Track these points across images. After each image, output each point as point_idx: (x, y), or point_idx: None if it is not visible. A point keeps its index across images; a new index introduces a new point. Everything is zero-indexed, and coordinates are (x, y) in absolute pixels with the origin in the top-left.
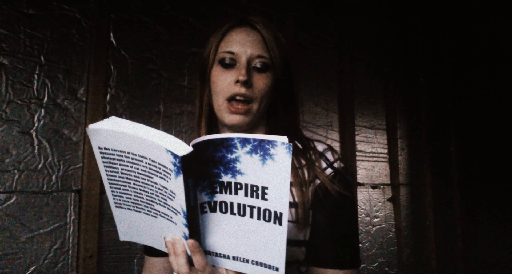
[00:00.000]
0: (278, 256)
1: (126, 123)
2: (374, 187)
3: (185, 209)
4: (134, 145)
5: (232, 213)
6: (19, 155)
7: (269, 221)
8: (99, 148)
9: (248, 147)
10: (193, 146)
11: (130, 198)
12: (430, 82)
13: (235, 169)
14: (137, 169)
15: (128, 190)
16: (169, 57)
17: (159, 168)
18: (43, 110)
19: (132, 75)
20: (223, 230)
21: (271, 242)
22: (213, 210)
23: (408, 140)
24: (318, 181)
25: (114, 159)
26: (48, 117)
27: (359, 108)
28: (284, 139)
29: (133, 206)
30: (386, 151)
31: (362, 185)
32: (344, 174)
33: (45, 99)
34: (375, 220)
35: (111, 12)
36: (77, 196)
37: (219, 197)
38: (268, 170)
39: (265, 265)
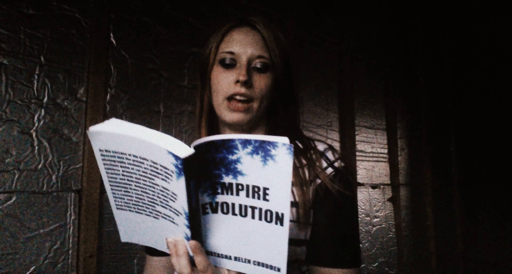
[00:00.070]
0: (279, 256)
1: (126, 125)
2: (374, 187)
3: (186, 210)
4: (135, 146)
5: (233, 213)
6: (19, 155)
7: (270, 221)
8: (100, 150)
9: (249, 148)
10: (194, 148)
11: (132, 200)
12: (430, 82)
13: (236, 170)
14: (138, 170)
15: (129, 192)
16: (169, 57)
17: (161, 170)
18: (43, 110)
19: (132, 75)
20: (224, 231)
21: (273, 243)
22: (214, 210)
23: (408, 140)
24: (318, 181)
25: (115, 161)
26: (48, 117)
27: (359, 108)
28: (285, 139)
29: (135, 208)
30: (386, 151)
31: (362, 185)
32: (345, 173)
33: (45, 99)
34: (375, 220)
35: (111, 12)
36: (77, 196)
37: (220, 198)
38: (269, 170)
39: (267, 266)
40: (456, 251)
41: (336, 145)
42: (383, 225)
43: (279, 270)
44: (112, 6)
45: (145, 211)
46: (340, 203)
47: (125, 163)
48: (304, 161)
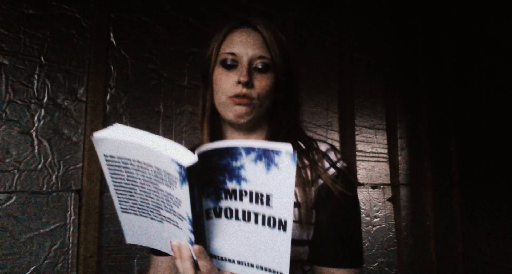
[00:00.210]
0: (282, 261)
1: (130, 131)
2: (374, 187)
3: (190, 216)
4: (139, 153)
5: (237, 218)
6: (19, 155)
7: (273, 227)
8: (104, 155)
9: (253, 155)
10: (198, 155)
11: (136, 204)
12: (430, 82)
13: (240, 176)
14: (143, 176)
15: (134, 196)
16: (169, 57)
17: (165, 176)
18: (43, 110)
19: (132, 75)
20: (228, 235)
21: (276, 248)
22: (218, 215)
23: (408, 140)
24: (321, 181)
25: (119, 166)
26: (48, 117)
27: (359, 108)
28: (289, 147)
29: (139, 211)
30: (386, 151)
31: (362, 185)
32: (347, 174)
33: (45, 99)
34: (375, 220)
35: (111, 12)
36: (77, 196)
37: (224, 203)
38: (272, 177)
39: (270, 270)
40: (456, 251)
41: (336, 145)
42: (383, 225)
43: None
44: (112, 6)
45: (150, 214)
46: (342, 203)
47: (129, 168)
48: (306, 161)
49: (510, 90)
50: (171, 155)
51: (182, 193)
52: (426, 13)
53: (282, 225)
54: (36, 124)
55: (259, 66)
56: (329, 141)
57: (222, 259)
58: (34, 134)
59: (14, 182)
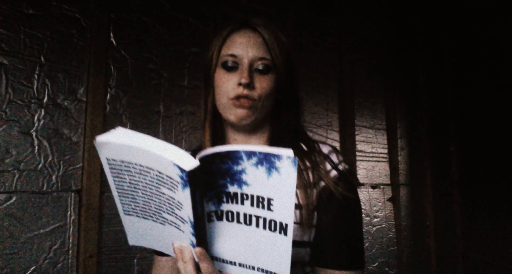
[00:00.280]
0: (283, 264)
1: (133, 135)
2: (374, 187)
3: (192, 219)
4: (141, 157)
5: (238, 222)
6: (19, 155)
7: (274, 231)
8: (106, 158)
9: (254, 159)
10: (199, 159)
11: (138, 206)
12: (430, 82)
13: (241, 180)
14: (145, 179)
15: (136, 199)
16: (169, 57)
17: (166, 180)
18: (43, 110)
19: (132, 75)
20: (229, 238)
21: (277, 251)
22: (220, 218)
23: (408, 140)
24: (322, 183)
25: (122, 170)
26: (48, 117)
27: (359, 108)
28: (290, 152)
29: (142, 214)
30: (386, 151)
31: (362, 185)
32: (349, 176)
33: (45, 99)
34: (375, 220)
35: (111, 12)
36: (77, 196)
37: (225, 207)
38: (273, 182)
39: (271, 272)
40: (456, 251)
41: (336, 145)
42: (383, 225)
43: None
44: (112, 6)
45: (152, 217)
46: (344, 205)
47: (131, 172)
48: (308, 164)
49: (510, 90)
50: (172, 159)
51: (183, 196)
52: (426, 13)
53: (283, 229)
54: (36, 124)
55: (260, 67)
56: (329, 141)
57: (223, 261)
58: (34, 134)
59: (14, 182)
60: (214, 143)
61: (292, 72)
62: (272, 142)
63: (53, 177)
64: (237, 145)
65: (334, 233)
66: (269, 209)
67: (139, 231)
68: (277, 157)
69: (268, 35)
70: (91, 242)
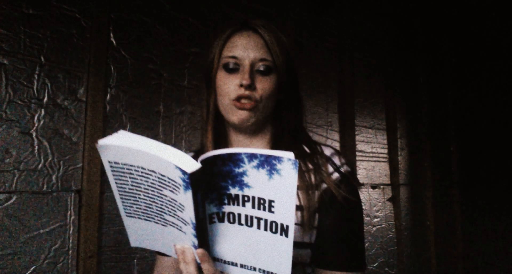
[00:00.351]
0: (284, 265)
1: (135, 137)
2: (374, 187)
3: (194, 220)
4: (143, 160)
5: (239, 223)
6: (19, 155)
7: (275, 232)
8: (109, 161)
9: (255, 162)
10: (201, 161)
11: (140, 208)
12: (430, 82)
13: (243, 182)
14: (147, 181)
15: (138, 201)
16: (169, 57)
17: (168, 182)
18: (43, 110)
19: (132, 75)
20: (231, 239)
21: (278, 252)
22: (221, 220)
23: (408, 140)
24: (324, 185)
25: (124, 172)
26: (48, 117)
27: (359, 108)
28: (291, 155)
29: (143, 216)
30: (386, 151)
31: (362, 185)
32: (351, 179)
33: (45, 99)
34: (375, 220)
35: (111, 12)
36: (77, 196)
37: (227, 208)
38: (274, 184)
39: None
40: (456, 251)
41: (336, 145)
42: (383, 225)
43: None
44: (112, 6)
45: (154, 219)
46: (345, 207)
47: (133, 174)
48: (310, 166)
49: (510, 90)
50: (175, 161)
51: (185, 198)
52: (426, 13)
53: (284, 230)
54: (36, 124)
55: (261, 68)
56: (329, 141)
57: (224, 262)
58: (34, 134)
59: (14, 182)
60: (216, 145)
61: (293, 73)
62: (274, 143)
63: (53, 177)
64: (238, 147)
65: (335, 235)
66: (270, 210)
67: (141, 233)
68: (278, 159)
69: (269, 36)
70: (91, 242)
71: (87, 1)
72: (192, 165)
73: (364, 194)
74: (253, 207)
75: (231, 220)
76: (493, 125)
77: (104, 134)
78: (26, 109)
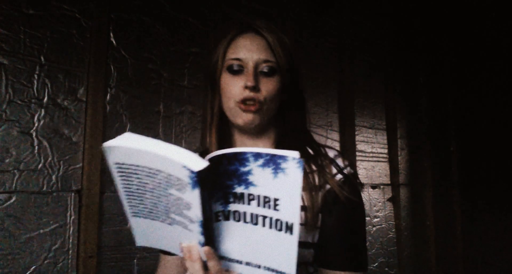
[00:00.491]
0: (289, 262)
1: (141, 139)
2: (374, 187)
3: (201, 218)
4: (150, 160)
5: (245, 221)
6: (19, 155)
7: (280, 230)
8: (116, 163)
9: (261, 161)
10: (208, 160)
11: (146, 208)
12: (430, 82)
13: (248, 181)
14: (153, 181)
15: (143, 201)
16: (169, 57)
17: (175, 181)
18: (43, 110)
19: (132, 75)
20: (236, 237)
21: (283, 250)
22: (226, 218)
23: (408, 140)
24: (328, 186)
25: (130, 173)
26: (48, 117)
27: (359, 108)
28: (296, 154)
29: (149, 215)
30: (386, 151)
31: (362, 185)
32: (354, 180)
33: (45, 99)
34: (375, 220)
35: (111, 12)
36: (77, 196)
37: (232, 207)
38: (279, 182)
39: (277, 271)
40: (456, 251)
41: (336, 145)
42: (383, 225)
43: None
44: (112, 6)
45: (159, 218)
46: (348, 208)
47: (139, 174)
48: (314, 167)
49: (510, 90)
50: (182, 161)
51: (192, 196)
52: (426, 13)
53: (289, 228)
54: (36, 124)
55: (265, 70)
56: (329, 141)
57: (230, 260)
58: (34, 134)
59: (14, 182)
60: (220, 146)
61: (296, 73)
62: (278, 145)
63: (53, 177)
64: (244, 147)
65: (338, 235)
66: (275, 209)
67: (146, 232)
68: (283, 158)
69: (272, 38)
70: (91, 242)
71: (87, 1)
72: (199, 163)
73: (364, 194)
74: (258, 205)
75: (237, 218)
76: (493, 125)
77: (104, 134)
78: (26, 109)
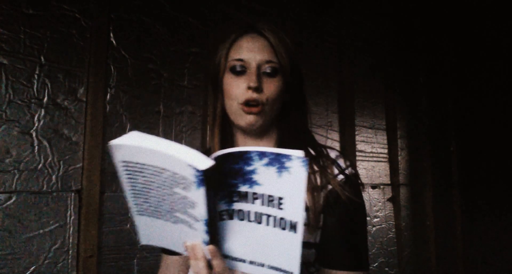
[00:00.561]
0: (293, 261)
1: (147, 138)
2: (374, 187)
3: (205, 217)
4: (156, 158)
5: (249, 220)
6: (19, 155)
7: (284, 229)
8: (122, 161)
9: (265, 160)
10: (213, 159)
11: (151, 206)
12: (430, 82)
13: (252, 180)
14: (159, 179)
15: (148, 199)
16: (169, 57)
17: (181, 180)
18: (43, 110)
19: (132, 75)
20: (240, 236)
21: (286, 248)
22: (231, 217)
23: (408, 140)
24: (329, 187)
25: (135, 171)
26: (48, 117)
27: (359, 108)
28: (300, 153)
29: (154, 213)
30: (386, 151)
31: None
32: (355, 180)
33: (45, 99)
34: (375, 220)
35: (111, 12)
36: (77, 196)
37: (237, 205)
38: (284, 181)
39: (281, 270)
40: (456, 251)
41: (336, 145)
42: (383, 225)
43: None
44: (112, 6)
45: (164, 216)
46: (350, 208)
47: (145, 173)
48: (316, 167)
49: (510, 90)
50: (187, 160)
51: (197, 195)
52: (426, 13)
53: (293, 226)
54: (36, 124)
55: (268, 70)
56: (329, 141)
57: (234, 259)
58: (34, 134)
59: (14, 182)
60: (223, 146)
61: (298, 74)
62: (280, 145)
63: (53, 177)
64: (249, 147)
65: (339, 235)
66: (279, 207)
67: (151, 230)
68: (288, 157)
69: (274, 38)
70: (91, 242)
71: (87, 1)
72: (205, 162)
73: (364, 194)
74: (263, 204)
75: (241, 217)
76: (493, 125)
77: (104, 134)
78: (26, 109)
